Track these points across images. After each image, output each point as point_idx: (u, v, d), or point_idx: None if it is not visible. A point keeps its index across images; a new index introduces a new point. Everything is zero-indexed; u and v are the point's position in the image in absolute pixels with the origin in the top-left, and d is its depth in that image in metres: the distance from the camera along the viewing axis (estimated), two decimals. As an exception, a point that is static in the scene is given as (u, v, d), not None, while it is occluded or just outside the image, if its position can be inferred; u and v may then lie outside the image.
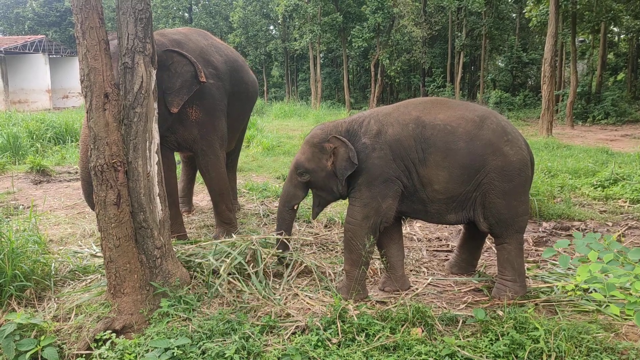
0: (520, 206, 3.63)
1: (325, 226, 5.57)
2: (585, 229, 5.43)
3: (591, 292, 3.53)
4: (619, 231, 5.29)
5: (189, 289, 3.57)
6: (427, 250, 4.89)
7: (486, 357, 2.83)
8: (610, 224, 5.62)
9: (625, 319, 3.26)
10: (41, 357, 2.90)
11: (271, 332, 3.14)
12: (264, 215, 6.01)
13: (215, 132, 4.94)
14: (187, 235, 5.12)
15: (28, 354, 2.86)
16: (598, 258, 2.26)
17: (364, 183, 3.61)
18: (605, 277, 2.27)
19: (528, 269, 4.16)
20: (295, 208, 3.96)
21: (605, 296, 2.45)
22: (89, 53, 3.07)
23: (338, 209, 6.14)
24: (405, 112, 3.67)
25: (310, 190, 3.96)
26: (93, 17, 3.06)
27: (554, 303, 3.56)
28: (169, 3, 35.63)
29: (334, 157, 3.64)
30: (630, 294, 2.29)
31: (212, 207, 6.37)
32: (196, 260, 3.93)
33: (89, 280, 3.93)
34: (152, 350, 2.85)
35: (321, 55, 32.14)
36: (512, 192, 3.56)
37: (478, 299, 3.75)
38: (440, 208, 3.66)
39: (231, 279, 3.74)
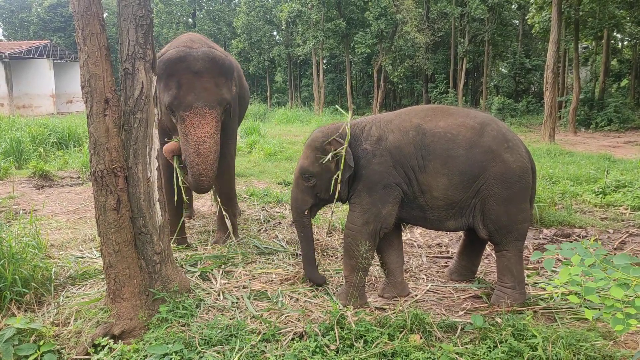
0: (519, 213, 3.62)
1: (327, 232, 5.57)
2: (586, 236, 5.43)
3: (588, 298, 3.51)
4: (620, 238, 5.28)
5: (188, 294, 3.58)
6: (427, 256, 4.89)
7: (484, 364, 2.83)
8: (611, 231, 5.61)
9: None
10: (40, 362, 2.91)
11: (269, 339, 3.13)
12: (264, 221, 6.01)
13: (233, 136, 5.06)
14: (187, 239, 5.14)
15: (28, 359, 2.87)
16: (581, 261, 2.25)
17: (364, 189, 3.62)
18: (587, 281, 2.25)
19: (528, 276, 4.15)
20: (307, 213, 3.94)
21: (584, 300, 2.44)
22: (90, 59, 3.09)
23: (339, 214, 6.14)
24: (406, 119, 3.68)
25: None
26: (94, 23, 3.08)
27: (553, 310, 3.55)
28: (173, 9, 35.86)
29: (335, 159, 3.66)
30: (608, 298, 2.26)
31: (213, 213, 6.40)
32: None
33: (88, 286, 3.94)
34: (150, 356, 2.85)
35: (324, 61, 32.21)
36: (512, 199, 3.56)
37: (477, 305, 3.74)
38: (439, 215, 3.66)
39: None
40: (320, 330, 3.12)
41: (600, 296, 2.25)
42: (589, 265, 2.21)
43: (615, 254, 4.70)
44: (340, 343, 3.01)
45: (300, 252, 4.11)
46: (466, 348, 2.99)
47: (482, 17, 25.93)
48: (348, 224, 3.70)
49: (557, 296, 3.64)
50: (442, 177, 3.53)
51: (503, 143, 3.56)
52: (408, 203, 3.66)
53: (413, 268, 4.54)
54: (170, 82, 4.14)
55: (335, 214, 6.17)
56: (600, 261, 2.27)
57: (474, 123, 3.59)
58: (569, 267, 2.24)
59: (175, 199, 4.44)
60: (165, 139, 4.48)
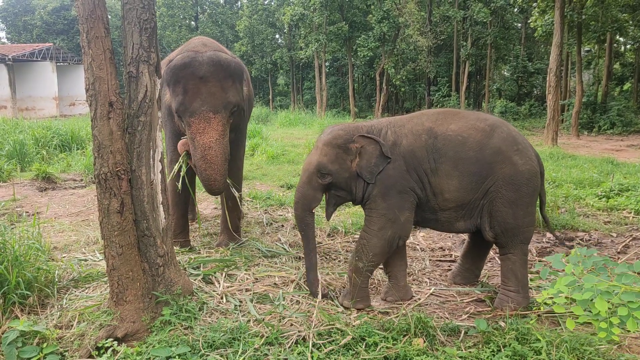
0: (526, 216, 3.62)
1: (329, 235, 5.57)
2: (590, 240, 5.41)
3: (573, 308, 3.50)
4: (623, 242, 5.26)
5: (191, 297, 3.58)
6: (430, 260, 4.88)
7: (488, 368, 2.82)
8: (614, 234, 5.60)
9: (628, 331, 3.23)
10: (43, 364, 2.91)
11: (272, 342, 3.13)
12: (267, 224, 6.01)
13: (243, 139, 5.11)
14: (190, 242, 5.14)
15: (30, 362, 2.87)
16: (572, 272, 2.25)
17: (379, 194, 3.63)
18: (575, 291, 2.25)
19: (531, 280, 4.14)
20: (314, 211, 3.89)
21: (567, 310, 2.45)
22: (94, 62, 3.10)
23: (341, 217, 6.14)
24: (418, 123, 3.70)
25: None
26: (99, 26, 3.09)
27: (557, 314, 3.54)
28: (175, 12, 35.91)
29: (359, 158, 3.66)
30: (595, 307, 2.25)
31: (215, 216, 6.40)
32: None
33: (91, 288, 3.94)
34: (153, 359, 2.85)
35: (327, 64, 32.24)
36: (519, 201, 3.56)
37: (480, 309, 3.73)
38: (449, 216, 3.68)
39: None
40: (323, 333, 3.12)
41: (588, 305, 2.24)
42: (579, 273, 2.21)
43: (619, 258, 4.69)
44: (343, 347, 3.01)
45: (303, 255, 4.08)
46: (470, 352, 2.98)
47: (484, 20, 25.91)
48: (365, 228, 3.72)
49: (542, 307, 3.60)
50: (453, 179, 3.55)
51: (512, 145, 3.58)
52: (420, 206, 3.69)
53: (416, 271, 4.54)
54: (177, 89, 4.15)
55: (336, 216, 6.16)
56: (598, 268, 2.27)
57: (485, 125, 3.61)
58: (562, 277, 2.24)
59: (179, 187, 4.59)
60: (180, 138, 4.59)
